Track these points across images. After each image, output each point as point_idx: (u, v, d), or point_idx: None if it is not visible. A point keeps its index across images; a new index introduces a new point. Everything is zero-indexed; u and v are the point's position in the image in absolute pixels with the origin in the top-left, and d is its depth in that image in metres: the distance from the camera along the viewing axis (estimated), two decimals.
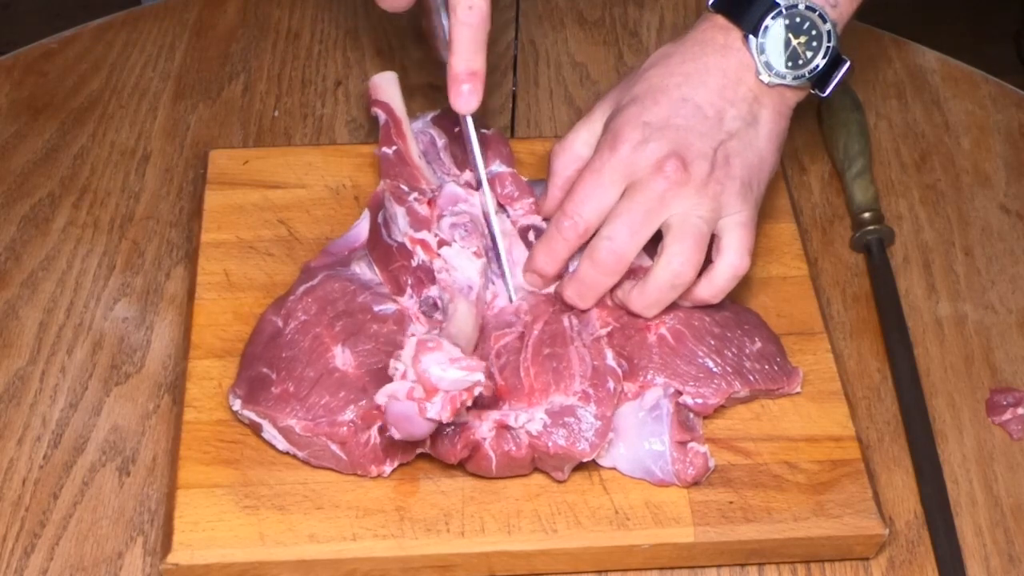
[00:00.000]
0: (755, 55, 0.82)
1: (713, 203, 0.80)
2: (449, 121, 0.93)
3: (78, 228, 0.96)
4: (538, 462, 0.79)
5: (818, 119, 1.03)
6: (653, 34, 1.12)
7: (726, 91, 0.82)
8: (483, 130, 0.91)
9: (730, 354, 0.82)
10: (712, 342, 0.82)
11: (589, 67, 1.09)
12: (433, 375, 0.71)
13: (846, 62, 0.84)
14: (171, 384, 0.86)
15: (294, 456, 0.79)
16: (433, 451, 0.78)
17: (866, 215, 0.95)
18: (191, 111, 1.04)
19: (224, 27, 1.11)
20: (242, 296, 0.88)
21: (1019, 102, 1.06)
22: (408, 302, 0.83)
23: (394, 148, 0.90)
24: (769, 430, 0.81)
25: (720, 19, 0.84)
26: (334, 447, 0.78)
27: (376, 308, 0.82)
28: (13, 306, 0.91)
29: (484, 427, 0.77)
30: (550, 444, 0.77)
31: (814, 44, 0.83)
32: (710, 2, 0.84)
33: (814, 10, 0.82)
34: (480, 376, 0.72)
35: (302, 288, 0.84)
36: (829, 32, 0.82)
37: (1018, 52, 2.26)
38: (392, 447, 0.78)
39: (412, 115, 0.93)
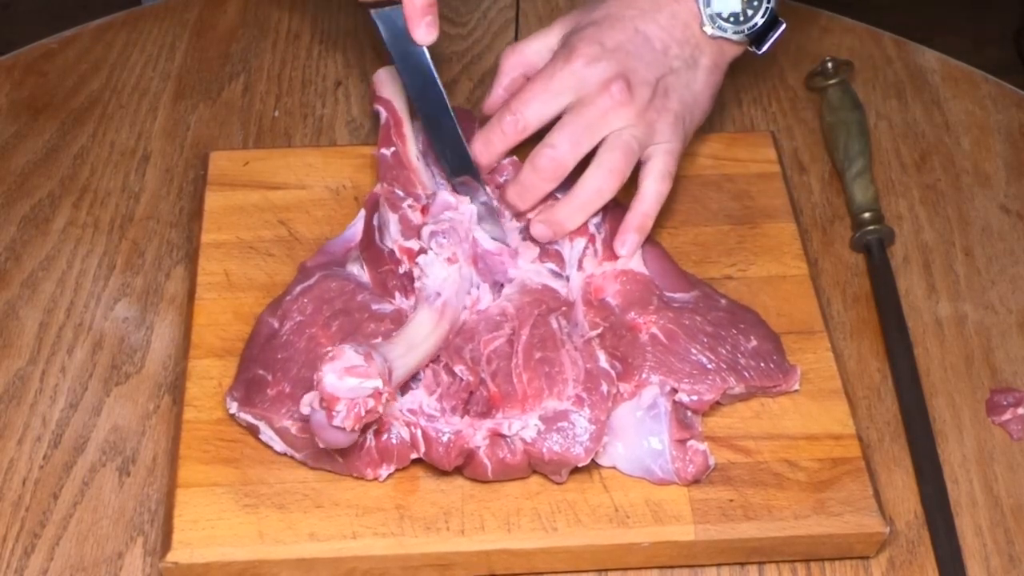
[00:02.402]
0: (702, 7, 0.89)
1: (648, 128, 0.86)
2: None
3: (78, 228, 0.96)
4: (535, 466, 0.79)
5: (818, 119, 1.03)
6: None
7: (674, 31, 0.89)
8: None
9: (724, 351, 0.82)
10: (705, 340, 0.82)
11: None
12: (328, 384, 0.72)
13: (782, 24, 0.91)
14: (171, 384, 0.86)
15: (292, 457, 0.79)
16: (427, 458, 0.78)
17: (866, 215, 0.95)
18: (191, 111, 1.04)
19: (224, 27, 1.11)
20: (242, 296, 0.88)
21: (1019, 102, 1.06)
22: (405, 304, 0.83)
23: (392, 150, 0.90)
24: (769, 428, 0.81)
25: None
26: (330, 450, 0.78)
27: (375, 307, 0.82)
28: (13, 306, 0.91)
29: (478, 436, 0.77)
30: (545, 450, 0.77)
31: (755, 3, 0.89)
32: None
33: None
34: (377, 383, 0.72)
35: (298, 288, 0.84)
36: (769, 8, 0.90)
37: (1018, 52, 2.26)
38: (387, 451, 0.78)
39: (413, 114, 0.93)
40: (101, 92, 1.06)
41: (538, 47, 0.91)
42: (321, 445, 0.75)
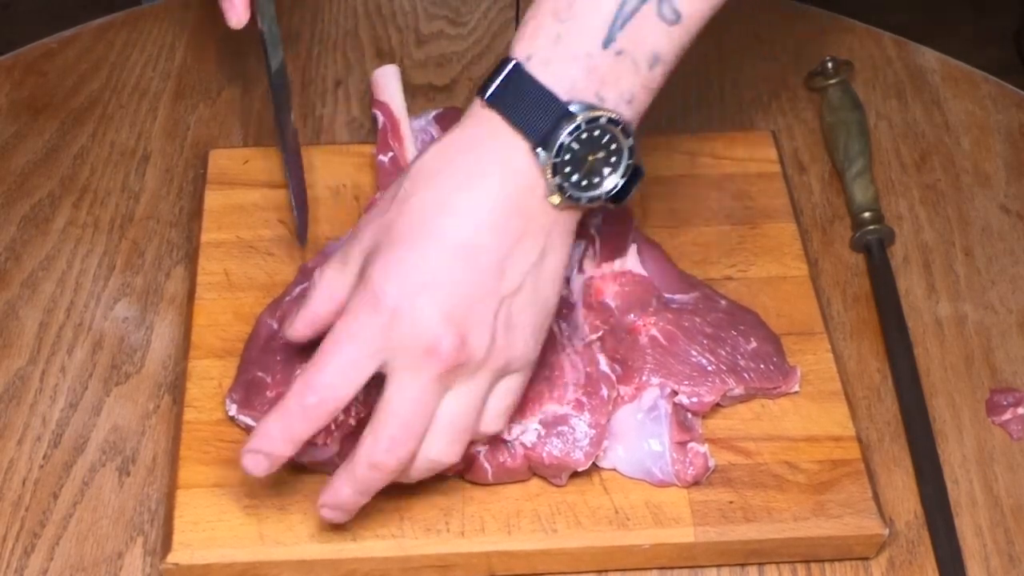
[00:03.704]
0: (546, 175, 0.68)
1: (495, 375, 0.70)
2: (451, 122, 0.93)
3: (78, 228, 0.96)
4: (535, 470, 0.79)
5: (818, 119, 1.03)
6: None
7: (510, 227, 0.68)
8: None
9: (724, 352, 0.82)
10: (705, 341, 0.82)
11: None
12: None
13: (642, 172, 0.71)
14: (171, 384, 0.86)
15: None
16: None
17: (866, 215, 0.95)
18: (191, 111, 1.04)
19: (224, 27, 1.11)
20: (242, 296, 0.88)
21: (1019, 102, 1.06)
22: None
23: (390, 155, 0.90)
24: (769, 430, 0.81)
25: (497, 119, 0.68)
26: (330, 452, 0.78)
27: None
28: (13, 306, 0.91)
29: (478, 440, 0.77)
30: (545, 454, 0.77)
31: (612, 160, 0.69)
32: (484, 94, 0.69)
33: (617, 123, 0.68)
34: None
35: (298, 290, 0.84)
36: (631, 148, 0.69)
37: (1018, 52, 2.26)
38: None
39: (413, 115, 0.94)
40: (101, 92, 1.06)
41: (341, 281, 0.71)
42: (304, 460, 0.75)
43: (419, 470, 0.71)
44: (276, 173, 0.95)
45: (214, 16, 1.12)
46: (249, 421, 0.79)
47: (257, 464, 0.71)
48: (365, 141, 1.00)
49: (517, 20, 1.12)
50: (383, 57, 1.09)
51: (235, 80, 1.07)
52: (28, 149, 1.01)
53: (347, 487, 0.71)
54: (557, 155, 0.67)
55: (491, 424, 0.72)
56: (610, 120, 0.68)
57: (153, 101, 1.05)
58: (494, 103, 0.68)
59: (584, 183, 0.69)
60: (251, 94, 1.06)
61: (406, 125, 0.91)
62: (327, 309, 0.72)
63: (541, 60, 0.68)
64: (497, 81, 0.68)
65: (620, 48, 0.68)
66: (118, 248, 0.94)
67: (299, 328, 0.74)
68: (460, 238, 0.68)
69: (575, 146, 0.67)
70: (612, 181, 0.70)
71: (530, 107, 0.68)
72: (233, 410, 0.80)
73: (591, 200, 0.69)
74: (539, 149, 0.67)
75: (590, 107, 0.67)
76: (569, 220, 0.70)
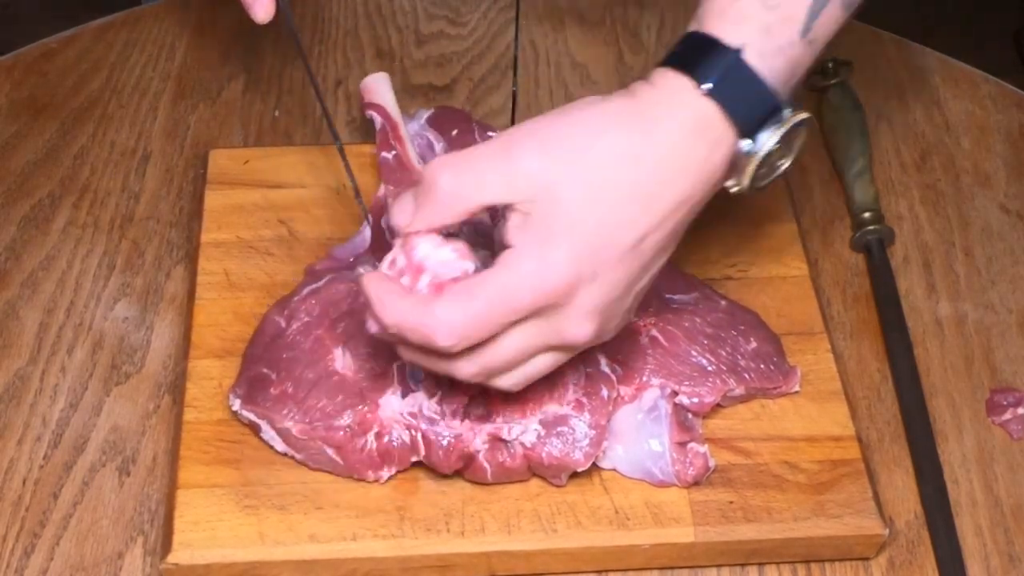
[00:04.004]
0: (746, 169, 0.68)
1: (596, 339, 0.70)
2: (446, 122, 0.93)
3: (78, 228, 0.96)
4: (535, 470, 0.79)
5: (818, 119, 1.03)
6: (653, 34, 1.12)
7: (680, 219, 0.68)
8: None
9: (724, 353, 0.82)
10: (705, 341, 0.82)
11: (589, 68, 1.09)
12: (420, 251, 0.69)
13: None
14: (171, 384, 0.86)
15: (292, 457, 0.79)
16: (427, 461, 0.78)
17: (866, 215, 0.95)
18: (191, 111, 1.04)
19: (224, 27, 1.11)
20: (242, 296, 0.88)
21: (1019, 102, 1.06)
22: None
23: (393, 153, 0.90)
24: (769, 430, 0.81)
25: (712, 108, 0.67)
26: (330, 451, 0.78)
27: None
28: (13, 306, 0.91)
29: (478, 440, 0.77)
30: (544, 455, 0.77)
31: (783, 161, 0.71)
32: (702, 85, 0.66)
33: (809, 123, 0.70)
34: (470, 266, 0.69)
35: (307, 290, 0.84)
36: (803, 144, 0.71)
37: (1018, 52, 2.25)
38: (388, 454, 0.78)
39: (408, 115, 0.94)
40: (101, 92, 1.06)
41: (487, 184, 0.67)
42: (373, 330, 0.70)
43: (433, 364, 0.70)
44: (276, 173, 0.95)
45: (214, 16, 1.12)
46: (252, 417, 0.79)
47: (371, 326, 0.70)
48: (365, 141, 1.00)
49: (517, 20, 1.12)
50: (383, 57, 1.09)
51: (235, 80, 1.07)
52: (28, 149, 1.01)
53: (394, 317, 0.68)
54: (757, 143, 0.67)
55: (510, 382, 0.71)
56: (803, 121, 0.69)
57: (153, 101, 1.05)
58: (711, 93, 0.66)
59: (761, 171, 0.69)
60: (251, 94, 1.06)
61: (403, 128, 0.91)
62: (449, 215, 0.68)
63: (757, 52, 0.66)
64: (714, 68, 0.66)
65: (813, 37, 0.68)
66: (118, 248, 0.94)
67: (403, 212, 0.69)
68: (640, 234, 0.66)
69: (775, 144, 0.68)
70: (784, 165, 0.71)
71: (747, 100, 0.67)
72: (236, 405, 0.80)
73: (755, 190, 0.70)
74: (743, 141, 0.67)
75: (793, 108, 0.68)
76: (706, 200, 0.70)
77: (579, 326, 0.67)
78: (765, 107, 0.67)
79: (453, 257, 0.69)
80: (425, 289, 0.69)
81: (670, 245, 0.69)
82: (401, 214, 0.69)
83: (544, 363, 0.70)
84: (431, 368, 0.71)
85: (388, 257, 0.70)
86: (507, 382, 0.71)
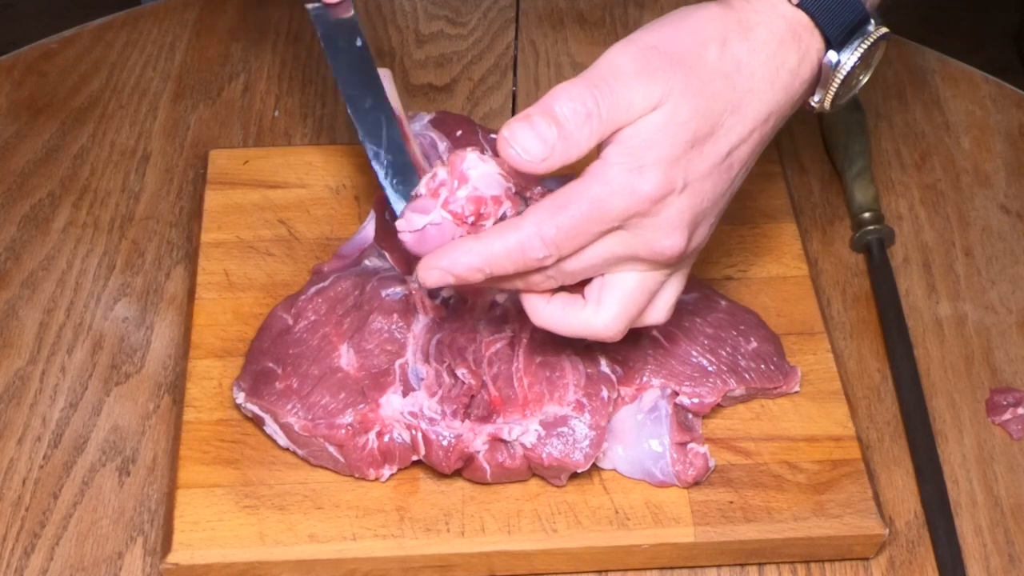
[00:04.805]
0: (833, 80, 0.69)
1: (677, 271, 0.72)
2: (449, 124, 0.93)
3: (78, 228, 0.96)
4: (535, 471, 0.79)
5: (818, 119, 1.03)
6: None
7: (768, 134, 0.70)
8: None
9: (724, 353, 0.82)
10: (706, 342, 0.82)
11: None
12: (468, 161, 0.69)
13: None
14: (171, 384, 0.86)
15: (294, 453, 0.79)
16: (427, 460, 0.78)
17: (866, 215, 0.95)
18: (191, 111, 1.04)
19: (224, 27, 1.11)
20: (242, 296, 0.88)
21: (1019, 102, 1.06)
22: (416, 282, 0.82)
23: None
24: (769, 430, 0.82)
25: (802, 18, 0.68)
26: (331, 449, 0.78)
27: (384, 293, 0.82)
28: (13, 306, 0.91)
29: (478, 440, 0.77)
30: (544, 455, 0.77)
31: (863, 76, 0.72)
32: None
33: (888, 38, 0.71)
34: (510, 185, 0.70)
35: (313, 289, 0.84)
36: (879, 60, 0.73)
37: (1018, 52, 2.26)
38: (389, 452, 0.78)
39: (408, 115, 0.93)
40: (101, 92, 1.06)
41: (636, 102, 0.66)
42: (407, 240, 0.70)
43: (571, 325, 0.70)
44: (276, 173, 0.95)
45: (214, 16, 1.12)
46: (256, 410, 0.79)
47: (435, 278, 0.70)
48: None
49: (517, 20, 1.12)
50: (383, 57, 1.09)
51: (235, 80, 1.07)
52: (28, 149, 1.01)
53: (471, 257, 0.68)
54: (844, 53, 0.68)
55: (660, 315, 0.72)
56: (884, 35, 0.70)
57: (153, 101, 1.05)
58: (803, 3, 0.68)
59: (843, 90, 0.70)
60: (251, 94, 1.06)
61: (407, 126, 0.91)
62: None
63: None
64: None
65: None
66: (118, 248, 0.94)
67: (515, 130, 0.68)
68: (731, 146, 0.68)
69: (859, 57, 0.69)
70: (862, 82, 0.72)
71: (837, 10, 0.68)
72: (240, 398, 0.80)
73: (834, 105, 0.71)
74: (830, 52, 0.69)
75: (878, 23, 0.69)
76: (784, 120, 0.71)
77: (669, 237, 0.68)
78: (853, 17, 0.68)
79: (495, 171, 0.70)
80: (464, 200, 0.69)
81: (752, 160, 0.70)
82: (535, 140, 0.66)
83: (631, 281, 0.70)
84: (512, 287, 0.70)
85: (428, 174, 0.71)
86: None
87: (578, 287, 0.71)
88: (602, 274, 0.70)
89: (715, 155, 0.68)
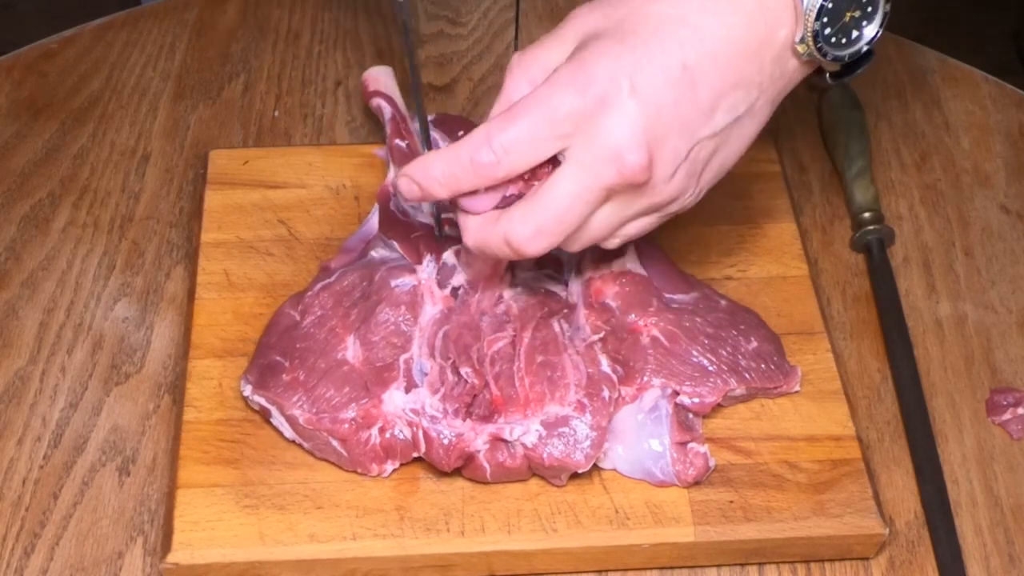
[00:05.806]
0: (807, 19, 0.65)
1: (650, 208, 0.70)
2: (449, 124, 0.93)
3: (78, 228, 0.96)
4: (535, 471, 0.79)
5: (818, 119, 1.03)
6: None
7: (735, 68, 0.66)
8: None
9: (725, 353, 0.82)
10: (706, 341, 0.82)
11: None
12: None
13: (872, 54, 0.71)
14: (171, 384, 0.86)
15: (299, 445, 0.80)
16: (427, 457, 0.78)
17: (866, 215, 0.95)
18: (191, 111, 1.04)
19: (224, 27, 1.11)
20: (242, 296, 0.88)
21: (1019, 102, 1.06)
22: (425, 272, 0.82)
23: (406, 142, 0.90)
24: (769, 430, 0.82)
25: None
26: (335, 443, 0.78)
27: (393, 283, 0.82)
28: (13, 306, 0.91)
29: (479, 440, 0.77)
30: (545, 456, 0.77)
31: (863, 23, 0.68)
32: None
33: None
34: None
35: (319, 285, 0.84)
36: (886, 13, 0.69)
37: (1018, 52, 2.26)
38: (391, 448, 0.78)
39: (408, 115, 0.94)
40: (101, 92, 1.06)
41: (547, 58, 0.68)
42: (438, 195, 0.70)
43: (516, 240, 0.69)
44: (276, 173, 0.95)
45: (214, 16, 1.12)
46: (263, 402, 0.80)
47: (410, 190, 0.71)
48: (365, 141, 1.00)
49: (517, 20, 1.12)
50: (383, 57, 1.09)
51: (235, 80, 1.07)
52: (28, 149, 1.01)
53: (479, 236, 0.70)
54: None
55: (610, 243, 0.72)
56: None
57: (153, 101, 1.05)
58: None
59: (834, 39, 0.67)
60: (251, 94, 1.06)
61: (409, 124, 0.91)
62: (523, 94, 0.67)
63: None
64: None
65: None
66: (118, 248, 0.94)
67: (494, 113, 0.69)
68: (687, 59, 0.64)
69: None
70: (871, 31, 0.69)
71: None
72: (248, 390, 0.80)
73: (835, 59, 0.68)
74: None
75: None
76: (786, 85, 0.69)
77: (617, 141, 0.66)
78: None
79: None
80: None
81: (729, 93, 0.67)
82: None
83: (642, 225, 0.71)
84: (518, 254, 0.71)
85: None
86: (610, 245, 0.73)
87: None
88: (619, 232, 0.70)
89: (663, 64, 0.65)
